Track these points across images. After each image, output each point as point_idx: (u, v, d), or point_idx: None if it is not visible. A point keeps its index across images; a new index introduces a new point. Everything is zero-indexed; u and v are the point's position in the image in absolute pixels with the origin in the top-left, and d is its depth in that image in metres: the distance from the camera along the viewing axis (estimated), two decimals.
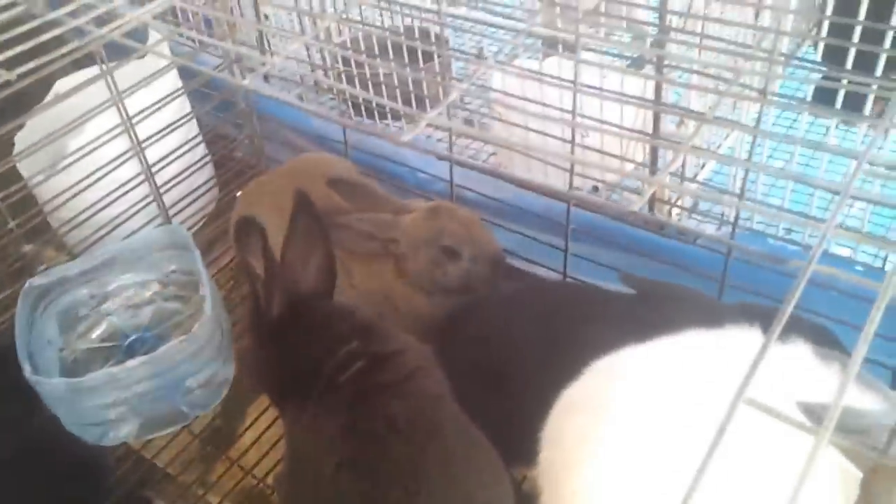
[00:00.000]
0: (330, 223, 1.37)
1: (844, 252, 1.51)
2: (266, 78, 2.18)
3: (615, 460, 0.88)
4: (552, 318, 1.23)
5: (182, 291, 1.60)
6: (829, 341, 1.04)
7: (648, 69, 1.55)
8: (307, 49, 2.08)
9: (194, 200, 1.83)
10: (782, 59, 1.00)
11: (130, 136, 1.57)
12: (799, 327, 0.94)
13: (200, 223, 1.91)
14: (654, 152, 1.64)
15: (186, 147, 1.79)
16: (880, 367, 1.21)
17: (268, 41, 2.12)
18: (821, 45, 1.42)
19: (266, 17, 2.14)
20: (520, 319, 1.25)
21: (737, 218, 1.26)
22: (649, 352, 0.95)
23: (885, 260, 1.48)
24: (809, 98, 1.64)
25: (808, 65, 1.19)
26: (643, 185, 1.54)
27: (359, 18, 2.19)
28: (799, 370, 0.87)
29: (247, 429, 1.52)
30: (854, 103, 1.35)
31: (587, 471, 0.90)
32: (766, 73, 0.93)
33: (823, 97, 1.56)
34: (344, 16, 2.01)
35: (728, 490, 0.77)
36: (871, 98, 1.22)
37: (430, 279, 1.39)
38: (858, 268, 1.34)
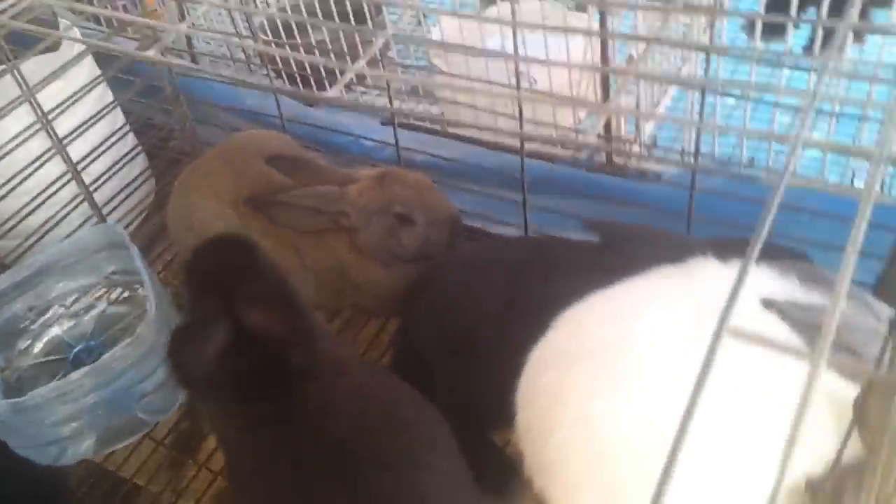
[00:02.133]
0: (272, 202, 1.30)
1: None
2: (194, 59, 2.07)
3: (592, 415, 0.83)
4: (516, 275, 1.16)
5: (127, 293, 1.51)
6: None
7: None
8: (232, 20, 1.97)
9: (129, 195, 1.73)
10: None
11: (49, 134, 1.46)
12: (773, 253, 0.90)
13: (140, 218, 1.81)
14: (605, 91, 1.57)
15: (113, 139, 1.68)
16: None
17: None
18: None
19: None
20: (483, 280, 1.19)
21: (698, 147, 1.20)
22: (614, 297, 0.90)
23: (852, 180, 1.45)
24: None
25: None
26: (596, 118, 1.48)
27: None
28: (778, 293, 0.82)
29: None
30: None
31: (565, 431, 0.85)
32: None
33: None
34: None
35: (717, 424, 0.73)
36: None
37: (386, 249, 1.31)
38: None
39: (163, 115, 1.88)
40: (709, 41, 1.16)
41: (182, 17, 1.97)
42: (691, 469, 0.77)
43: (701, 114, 1.11)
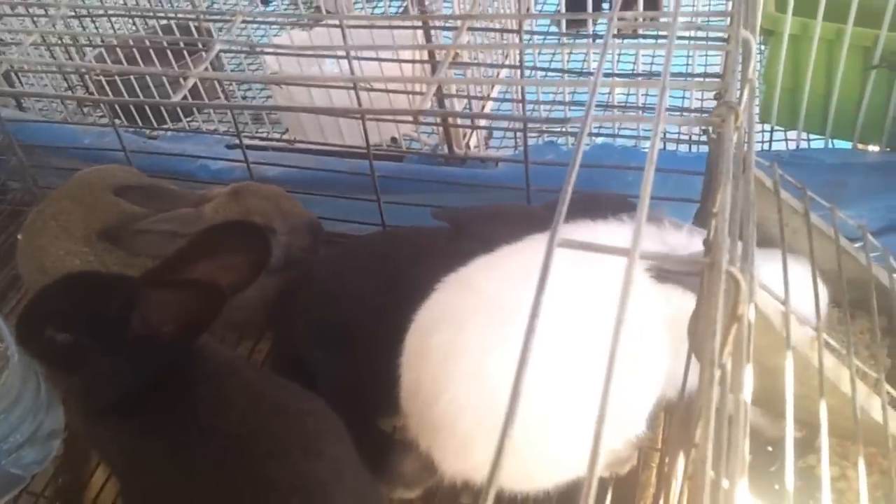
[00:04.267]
0: (127, 232, 1.29)
1: None
2: (21, 106, 2.00)
3: (486, 371, 0.88)
4: (384, 263, 1.22)
5: None
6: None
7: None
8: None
9: None
10: None
11: None
12: (609, 205, 1.02)
13: None
14: (440, 100, 1.67)
15: None
16: None
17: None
18: None
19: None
20: (354, 273, 1.24)
21: (526, 130, 1.31)
22: (498, 260, 0.97)
23: None
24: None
25: None
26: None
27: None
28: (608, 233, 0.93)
29: (93, 473, 1.39)
30: None
31: (458, 388, 0.89)
32: None
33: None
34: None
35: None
36: None
37: None
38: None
39: None
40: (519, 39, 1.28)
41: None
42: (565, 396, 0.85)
43: (523, 95, 1.21)
